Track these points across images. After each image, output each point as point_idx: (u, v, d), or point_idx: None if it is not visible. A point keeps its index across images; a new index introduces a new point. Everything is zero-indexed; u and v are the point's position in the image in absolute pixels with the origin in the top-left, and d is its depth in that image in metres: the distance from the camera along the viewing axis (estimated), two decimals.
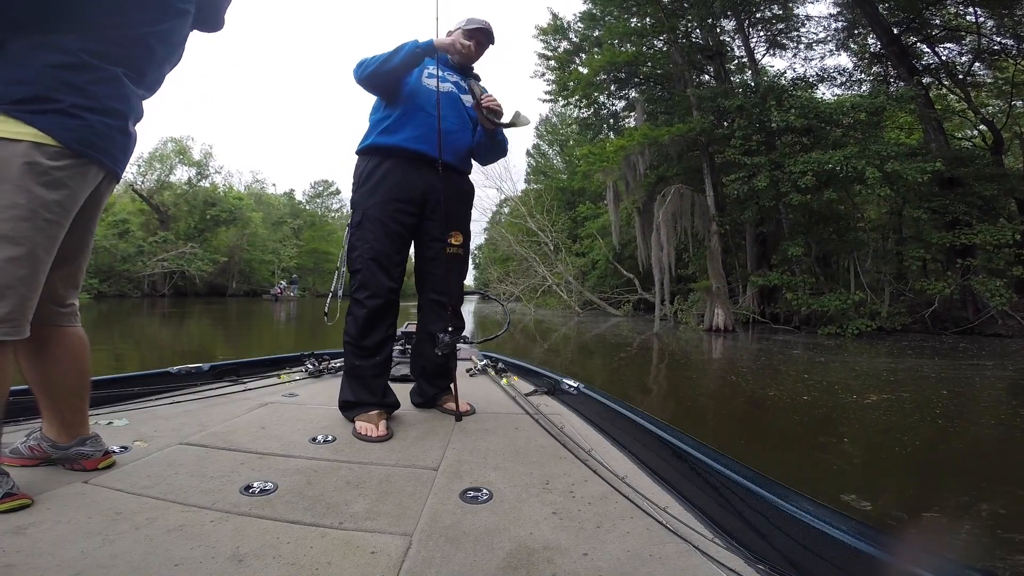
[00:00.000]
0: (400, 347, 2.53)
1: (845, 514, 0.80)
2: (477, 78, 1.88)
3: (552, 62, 17.34)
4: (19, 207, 0.90)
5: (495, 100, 1.72)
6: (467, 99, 1.81)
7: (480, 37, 1.81)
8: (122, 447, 1.27)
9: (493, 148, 1.87)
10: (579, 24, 16.32)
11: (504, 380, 2.29)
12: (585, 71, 15.15)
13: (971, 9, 11.14)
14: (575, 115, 19.41)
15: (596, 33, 15.43)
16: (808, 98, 11.18)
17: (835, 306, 9.76)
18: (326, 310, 1.76)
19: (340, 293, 1.66)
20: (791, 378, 5.46)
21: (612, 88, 15.56)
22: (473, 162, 1.93)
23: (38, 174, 0.92)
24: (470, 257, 1.95)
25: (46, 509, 0.93)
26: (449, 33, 1.83)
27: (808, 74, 13.27)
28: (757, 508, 0.90)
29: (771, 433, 3.63)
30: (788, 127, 10.75)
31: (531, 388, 2.17)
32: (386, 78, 1.64)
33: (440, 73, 1.74)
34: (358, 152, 1.75)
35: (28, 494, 0.96)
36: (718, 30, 13.62)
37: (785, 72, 13.37)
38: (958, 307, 10.29)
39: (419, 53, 1.63)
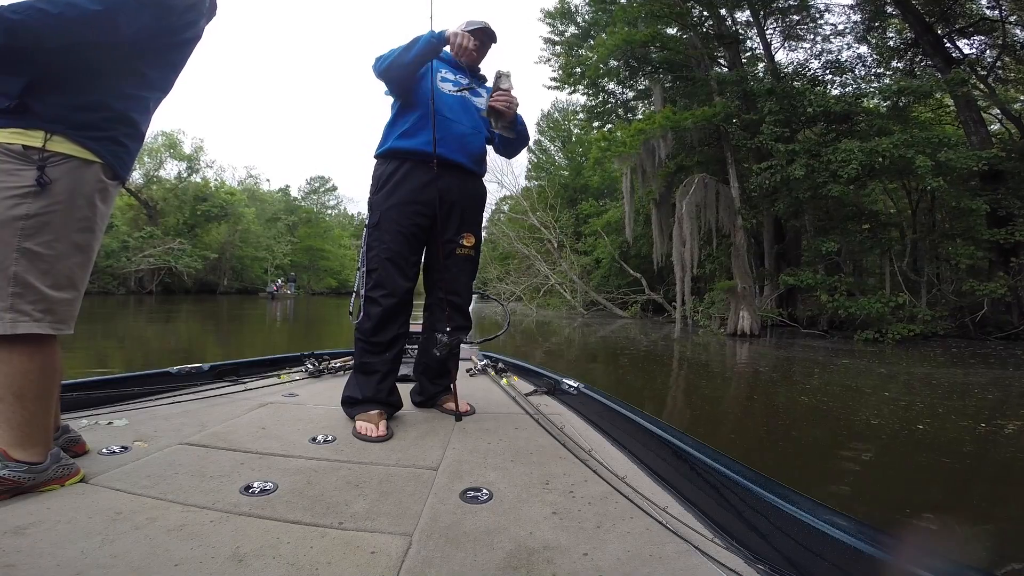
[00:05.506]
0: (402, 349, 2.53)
1: (845, 514, 0.81)
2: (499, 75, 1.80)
3: (558, 47, 16.84)
4: (88, 220, 1.06)
5: (506, 101, 1.67)
6: (479, 102, 1.81)
7: (481, 37, 1.82)
8: (122, 447, 1.27)
9: (512, 142, 1.87)
10: (587, 7, 15.86)
11: (504, 380, 2.30)
12: (595, 56, 14.40)
13: (996, 2, 10.99)
14: (583, 103, 18.65)
15: (605, 19, 14.86)
16: (840, 85, 10.76)
17: (876, 309, 9.08)
18: (351, 309, 1.80)
19: (363, 292, 1.70)
20: (873, 397, 4.86)
21: (624, 75, 14.79)
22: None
23: (101, 191, 1.08)
24: None
25: (46, 509, 0.93)
26: None
27: (830, 62, 13.01)
28: (757, 508, 0.90)
29: (930, 491, 2.67)
30: (826, 112, 10.14)
31: (531, 388, 2.17)
32: (403, 71, 1.65)
33: (453, 77, 1.78)
34: (377, 156, 1.77)
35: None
36: (729, 21, 13.30)
37: (820, 55, 12.96)
38: (1002, 310, 9.74)
39: (434, 44, 1.63)
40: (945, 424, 3.96)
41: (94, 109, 1.05)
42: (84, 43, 0.99)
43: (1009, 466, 3.09)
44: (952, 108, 12.10)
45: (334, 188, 54.38)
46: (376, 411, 1.56)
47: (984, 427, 3.89)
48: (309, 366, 2.37)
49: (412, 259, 1.72)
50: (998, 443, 3.50)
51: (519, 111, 1.77)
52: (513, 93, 1.71)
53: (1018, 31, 11.40)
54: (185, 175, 33.48)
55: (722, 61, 13.60)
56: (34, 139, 0.98)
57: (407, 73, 1.66)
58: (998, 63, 11.99)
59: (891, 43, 12.90)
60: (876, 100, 11.67)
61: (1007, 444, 3.46)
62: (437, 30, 1.66)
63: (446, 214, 1.74)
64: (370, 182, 1.78)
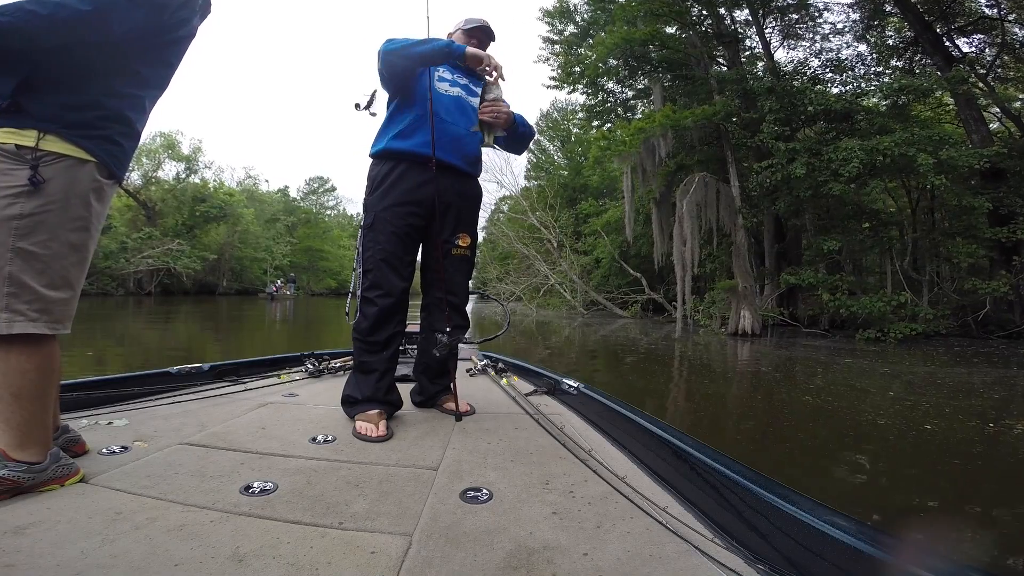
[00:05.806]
0: (399, 347, 2.53)
1: (845, 514, 0.81)
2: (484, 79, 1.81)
3: (557, 47, 16.82)
4: (83, 219, 1.06)
5: (493, 112, 1.66)
6: (475, 102, 1.79)
7: (480, 35, 1.83)
8: (122, 447, 1.27)
9: (517, 140, 1.88)
10: (586, 6, 15.88)
11: (504, 380, 2.29)
12: (594, 55, 14.32)
13: (996, 1, 10.99)
14: (582, 102, 18.60)
15: (604, 18, 14.87)
16: (838, 83, 10.84)
17: (877, 308, 9.02)
18: (347, 310, 1.80)
19: (359, 292, 1.71)
20: (878, 396, 4.84)
21: (623, 73, 14.71)
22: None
23: (96, 190, 1.08)
24: None
25: (46, 509, 0.93)
26: (449, 35, 1.85)
27: (830, 60, 13.04)
28: (757, 508, 0.90)
29: (943, 493, 2.70)
30: (826, 110, 10.16)
31: (531, 388, 2.17)
32: (406, 63, 1.63)
33: (451, 76, 1.77)
34: (372, 156, 1.77)
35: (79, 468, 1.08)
36: (728, 20, 13.26)
37: (820, 54, 13.03)
38: (1004, 309, 9.75)
39: (446, 53, 1.62)
40: (952, 424, 3.91)
41: (88, 108, 1.05)
42: (76, 42, 0.99)
43: (1022, 466, 3.05)
44: (952, 107, 12.08)
45: (333, 188, 54.47)
46: (376, 411, 1.56)
47: (992, 427, 3.84)
48: (309, 366, 2.37)
49: (407, 259, 1.73)
50: (1008, 443, 3.46)
51: (517, 109, 1.77)
52: (504, 99, 1.70)
53: (1017, 30, 11.40)
54: (184, 176, 33.40)
55: (721, 60, 13.54)
56: (27, 138, 0.98)
57: (408, 65, 1.64)
58: (997, 62, 11.98)
59: (890, 42, 12.88)
60: (876, 99, 11.65)
61: (1018, 444, 3.42)
62: (457, 43, 1.66)
63: (442, 215, 1.73)
64: (365, 183, 1.77)
